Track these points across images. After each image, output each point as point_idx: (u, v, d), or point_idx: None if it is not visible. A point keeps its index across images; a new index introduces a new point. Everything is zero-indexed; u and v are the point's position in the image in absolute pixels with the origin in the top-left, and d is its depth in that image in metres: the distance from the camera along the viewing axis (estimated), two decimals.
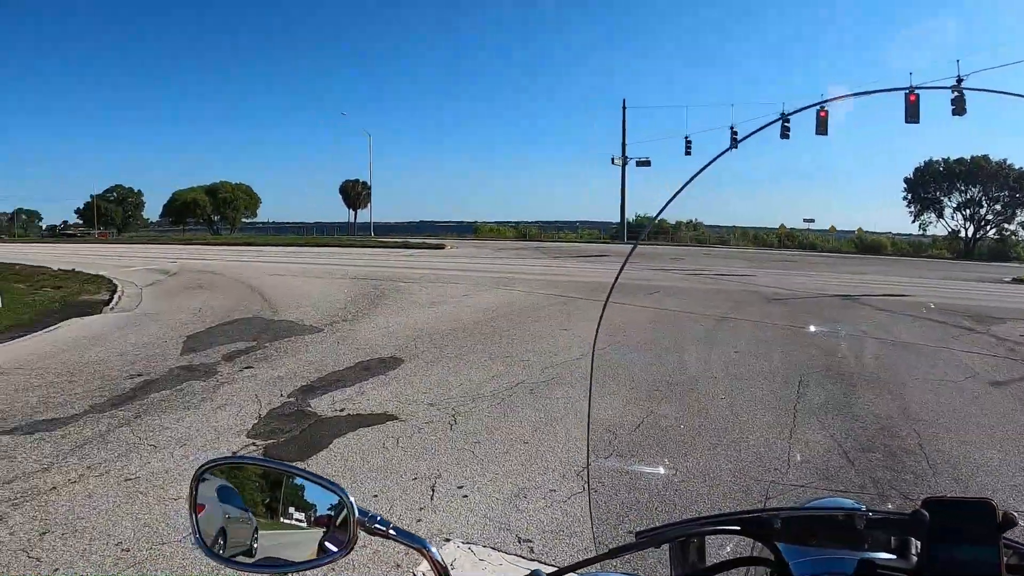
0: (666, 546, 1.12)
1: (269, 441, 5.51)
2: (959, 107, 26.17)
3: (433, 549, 1.03)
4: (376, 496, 4.40)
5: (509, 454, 5.16)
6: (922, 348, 10.07)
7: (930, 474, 4.97)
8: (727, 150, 1.65)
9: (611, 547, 1.05)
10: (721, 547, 1.22)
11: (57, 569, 3.58)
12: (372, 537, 1.06)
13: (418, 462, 5.01)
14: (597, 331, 1.81)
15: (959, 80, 26.81)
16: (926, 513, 0.93)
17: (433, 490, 4.50)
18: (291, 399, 6.64)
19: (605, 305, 1.83)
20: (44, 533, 3.98)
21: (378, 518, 1.05)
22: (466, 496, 4.42)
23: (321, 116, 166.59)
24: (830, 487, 4.71)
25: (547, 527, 3.99)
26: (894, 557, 1.02)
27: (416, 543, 1.03)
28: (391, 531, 1.05)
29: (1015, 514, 0.92)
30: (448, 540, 3.82)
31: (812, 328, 11.47)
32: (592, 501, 3.50)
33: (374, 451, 5.26)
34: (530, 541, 3.82)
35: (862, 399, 6.85)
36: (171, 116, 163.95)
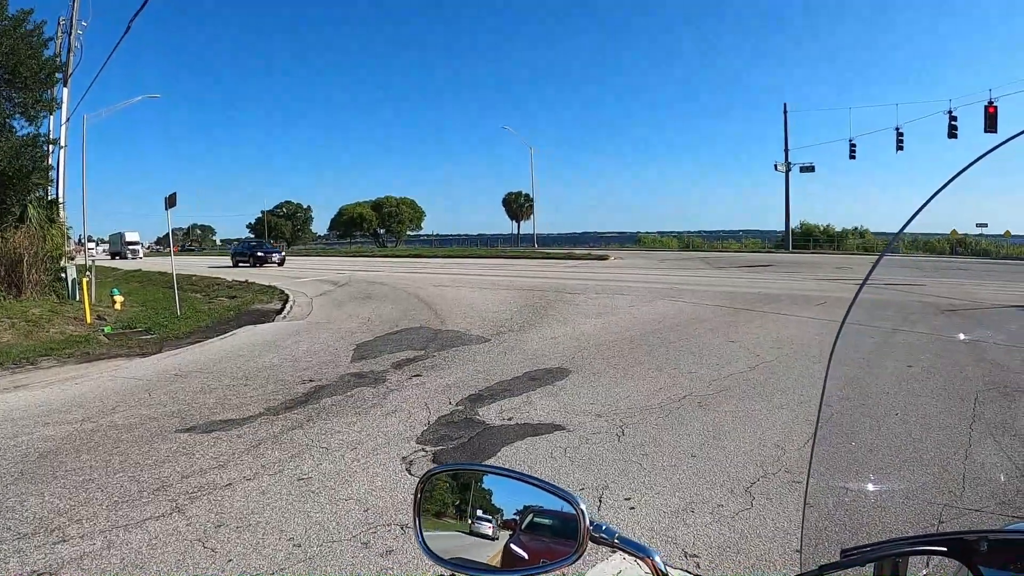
0: (870, 565, 1.09)
1: (438, 447, 5.42)
2: None
3: (658, 558, 1.03)
4: None
5: (677, 467, 4.85)
6: None
7: None
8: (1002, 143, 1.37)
9: (820, 564, 1.04)
10: (919, 569, 1.15)
11: (231, 560, 3.60)
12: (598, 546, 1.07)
13: (585, 473, 4.79)
14: (834, 347, 1.54)
15: None
16: None
17: (600, 501, 4.30)
18: (459, 407, 6.56)
19: (843, 323, 1.56)
20: (219, 526, 4.04)
21: (603, 527, 1.07)
22: (633, 508, 4.19)
23: (484, 130, 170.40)
24: (1007, 512, 4.17)
25: (714, 543, 3.72)
26: None
27: (642, 552, 1.04)
28: (616, 540, 1.06)
29: None
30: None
31: (979, 337, 10.42)
32: (806, 517, 3.16)
33: (542, 460, 5.06)
34: (696, 556, 3.58)
35: None
36: (340, 134, 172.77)
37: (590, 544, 1.06)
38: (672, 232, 71.16)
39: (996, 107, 25.68)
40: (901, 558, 1.10)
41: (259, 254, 38.86)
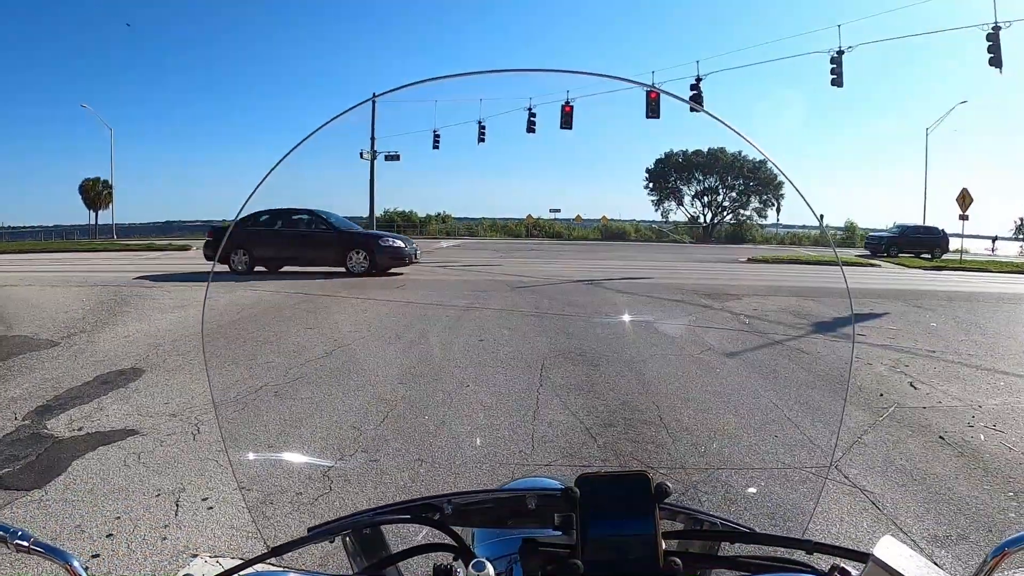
0: (340, 540, 1.16)
1: (4, 470, 5.29)
2: (696, 105, 29.26)
3: (76, 563, 0.96)
4: (119, 518, 4.50)
5: (255, 461, 5.18)
6: (661, 325, 11.29)
7: (670, 443, 5.58)
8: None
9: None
10: (412, 538, 1.22)
11: None
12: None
13: (161, 477, 5.06)
14: (203, 314, 2.08)
15: (698, 80, 29.94)
16: (576, 489, 0.98)
17: (177, 504, 4.59)
18: (25, 422, 6.40)
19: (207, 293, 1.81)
20: None
21: (19, 532, 0.99)
22: (211, 508, 4.53)
23: (61, 108, 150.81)
24: (574, 463, 5.18)
25: (295, 532, 4.14)
26: (560, 533, 1.05)
27: (60, 558, 0.97)
28: (34, 546, 0.98)
29: (668, 484, 0.99)
30: (195, 556, 3.87)
31: (549, 313, 12.40)
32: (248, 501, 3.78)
33: (115, 469, 5.23)
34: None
35: (603, 378, 7.55)
36: None
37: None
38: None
39: (572, 107, 29.44)
40: (369, 528, 1.17)
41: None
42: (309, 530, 1.12)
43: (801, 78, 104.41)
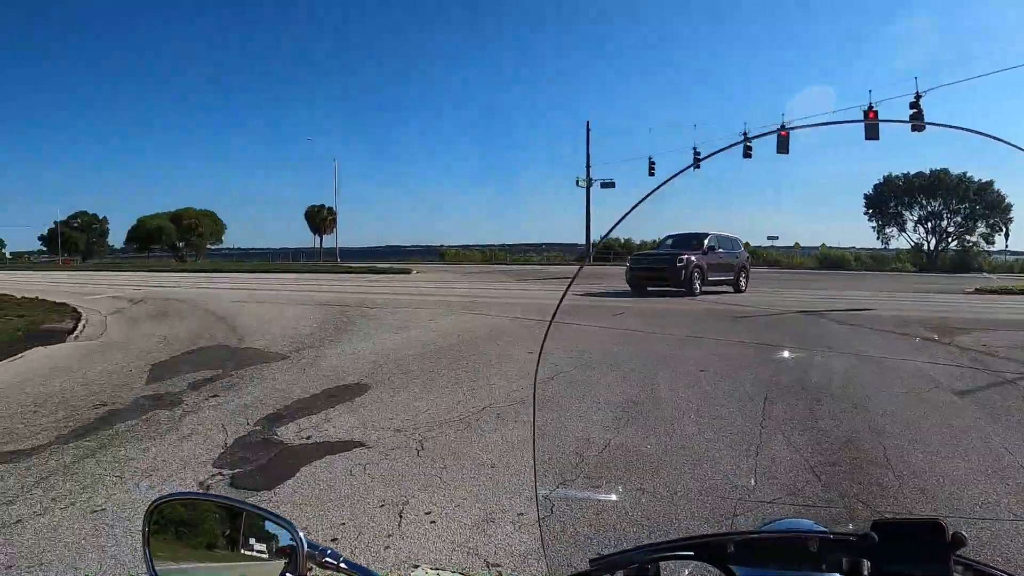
0: (620, 573, 1.10)
1: (236, 470, 5.49)
2: (917, 125, 26.89)
3: None
4: (344, 524, 4.42)
5: (476, 479, 5.18)
6: (886, 361, 10.29)
7: (896, 486, 5.02)
8: (686, 168, 1.62)
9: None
10: (678, 573, 1.19)
11: None
12: (324, 571, 1.07)
13: (385, 488, 5.01)
14: (539, 358, 1.90)
15: (917, 97, 27.55)
16: (875, 535, 0.93)
17: (401, 516, 4.49)
18: (257, 427, 6.63)
19: (548, 328, 1.88)
20: (9, 567, 3.96)
21: (328, 551, 1.06)
22: (434, 522, 4.41)
23: (286, 142, 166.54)
24: (796, 502, 4.75)
25: (516, 551, 3.99)
26: None
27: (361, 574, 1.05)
28: (342, 564, 1.07)
29: (964, 534, 0.92)
30: (416, 566, 3.83)
31: (774, 345, 11.67)
32: (546, 528, 3.57)
33: (341, 478, 5.26)
34: (498, 565, 3.82)
35: (827, 414, 6.97)
36: (136, 142, 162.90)
37: (318, 569, 1.07)
38: (475, 245, 72.56)
39: (788, 132, 28.25)
40: (651, 564, 1.10)
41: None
42: (591, 562, 1.08)
43: None
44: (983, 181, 56.37)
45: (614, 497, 4.96)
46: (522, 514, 4.46)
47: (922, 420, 6.78)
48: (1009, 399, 7.84)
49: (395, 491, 4.96)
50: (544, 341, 1.78)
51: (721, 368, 9.46)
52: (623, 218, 1.52)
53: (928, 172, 60.88)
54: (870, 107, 26.89)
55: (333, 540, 4.08)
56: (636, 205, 1.50)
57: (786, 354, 10.86)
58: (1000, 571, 1.01)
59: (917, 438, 6.15)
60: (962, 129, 1.42)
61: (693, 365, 9.63)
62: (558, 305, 1.80)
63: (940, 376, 9.02)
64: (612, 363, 9.76)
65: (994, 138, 1.35)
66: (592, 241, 56.01)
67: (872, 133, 25.01)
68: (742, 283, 23.34)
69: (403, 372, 9.08)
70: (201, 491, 4.90)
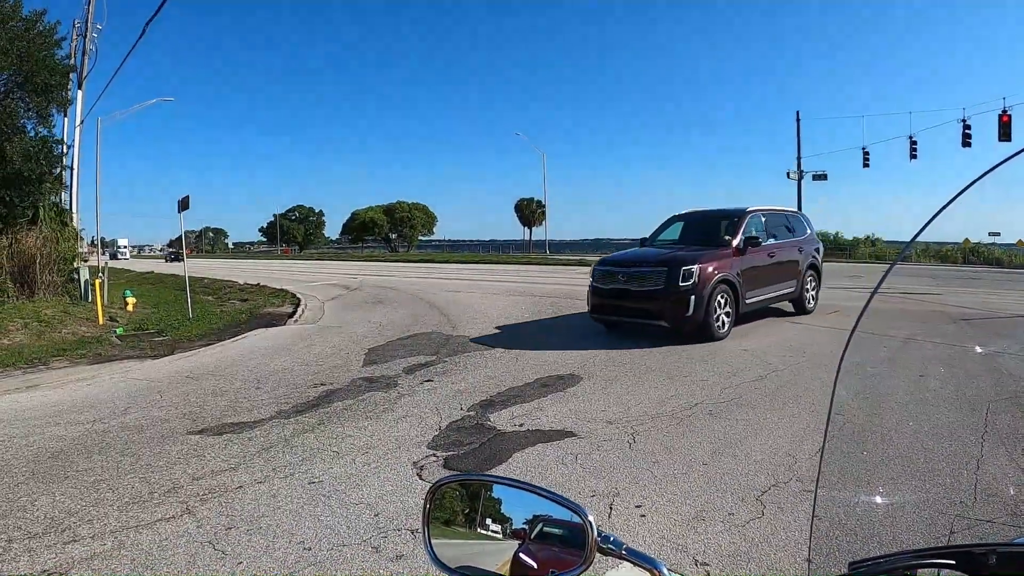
0: None
1: (449, 453, 5.38)
2: None
3: (664, 570, 1.03)
4: None
5: (688, 475, 4.82)
6: None
7: None
8: (1015, 155, 1.29)
9: None
10: None
11: (241, 563, 3.59)
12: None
13: (596, 479, 4.77)
14: (843, 356, 1.51)
15: None
16: None
17: (611, 508, 4.28)
18: (470, 412, 6.53)
19: (852, 332, 1.50)
20: (230, 528, 4.02)
21: (611, 538, 1.07)
22: (644, 516, 4.15)
23: (495, 136, 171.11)
24: (1018, 524, 4.11)
25: (725, 551, 3.69)
26: None
27: (649, 563, 1.04)
28: (624, 551, 1.06)
29: None
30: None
31: (996, 349, 10.37)
32: (813, 530, 3.11)
33: (553, 466, 5.04)
34: (707, 564, 3.55)
35: None
36: (352, 140, 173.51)
37: (598, 555, 1.06)
38: None
39: (1010, 116, 25.50)
40: (909, 571, 1.09)
41: None
42: (850, 565, 1.08)
43: None
44: None
45: (879, 500, 4.39)
46: (732, 514, 4.16)
47: None
48: None
49: (606, 482, 4.74)
50: (845, 351, 1.41)
51: (941, 373, 8.46)
52: (941, 210, 1.33)
53: None
54: None
55: None
56: (956, 195, 1.31)
57: (1010, 360, 9.60)
58: None
59: None
60: None
61: (913, 370, 8.66)
62: (864, 307, 1.46)
63: None
64: (827, 365, 8.95)
65: None
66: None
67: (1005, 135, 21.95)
68: (808, 295, 13.44)
69: (614, 364, 8.72)
70: (479, 472, 4.84)
